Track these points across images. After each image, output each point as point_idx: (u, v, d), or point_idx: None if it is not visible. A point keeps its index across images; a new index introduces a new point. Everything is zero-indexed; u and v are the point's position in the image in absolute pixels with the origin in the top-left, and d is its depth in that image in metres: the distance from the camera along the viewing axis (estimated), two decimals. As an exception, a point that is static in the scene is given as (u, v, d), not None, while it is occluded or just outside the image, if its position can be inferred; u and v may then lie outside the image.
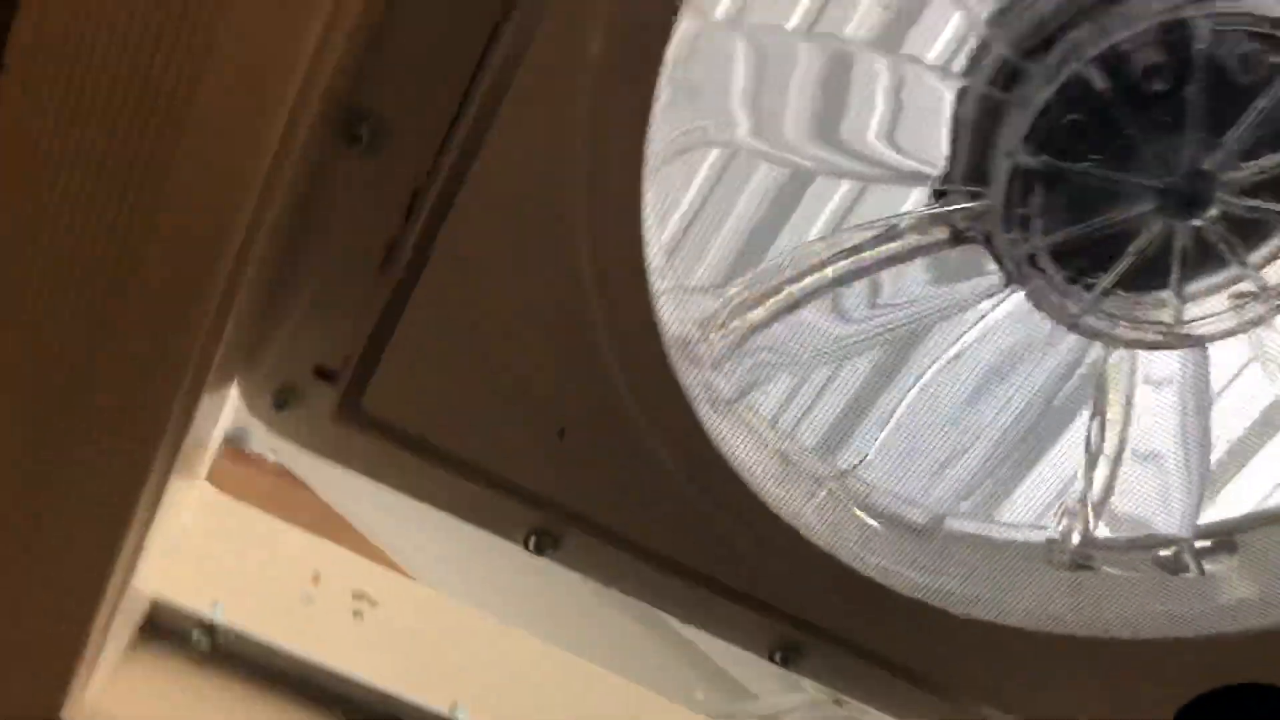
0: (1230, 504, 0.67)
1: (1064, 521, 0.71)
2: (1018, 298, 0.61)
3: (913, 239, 0.64)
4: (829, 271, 0.64)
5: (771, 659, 0.71)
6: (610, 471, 0.61)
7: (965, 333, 0.64)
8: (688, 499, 0.62)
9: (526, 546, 0.68)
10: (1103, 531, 0.70)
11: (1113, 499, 0.68)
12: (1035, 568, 0.71)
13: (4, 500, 0.57)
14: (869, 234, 0.63)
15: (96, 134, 0.48)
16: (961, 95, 0.59)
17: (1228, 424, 0.65)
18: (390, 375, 0.61)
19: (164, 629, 0.76)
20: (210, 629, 0.76)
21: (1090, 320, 0.60)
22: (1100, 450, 0.64)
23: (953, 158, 0.60)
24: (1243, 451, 0.66)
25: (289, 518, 0.86)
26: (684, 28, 0.52)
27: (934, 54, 0.57)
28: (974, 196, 0.59)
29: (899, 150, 0.57)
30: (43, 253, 0.52)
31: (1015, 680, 0.69)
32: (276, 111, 0.50)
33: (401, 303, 0.59)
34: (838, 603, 0.65)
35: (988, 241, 0.61)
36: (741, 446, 0.61)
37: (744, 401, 0.63)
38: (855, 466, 0.66)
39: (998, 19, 0.53)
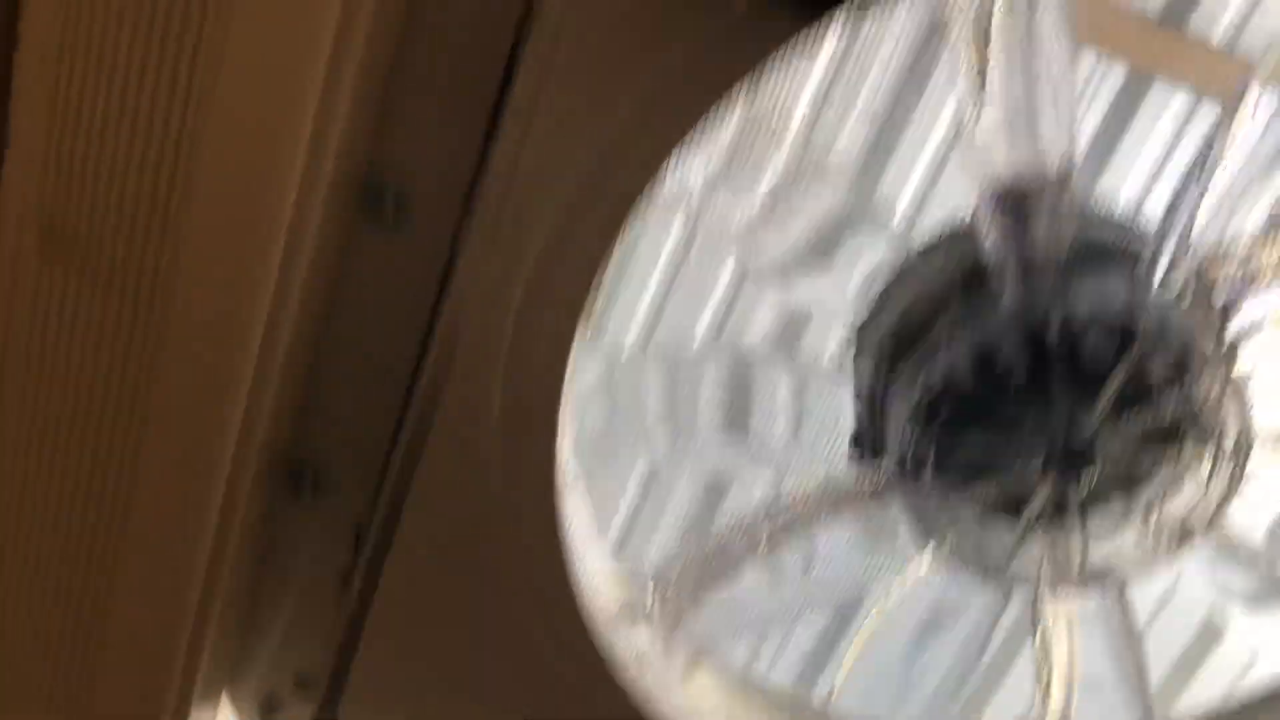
0: None
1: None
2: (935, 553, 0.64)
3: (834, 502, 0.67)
4: (765, 539, 0.67)
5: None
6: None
7: (897, 587, 0.67)
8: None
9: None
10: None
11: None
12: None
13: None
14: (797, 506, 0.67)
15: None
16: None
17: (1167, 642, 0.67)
18: (360, 686, 0.65)
19: None
20: None
21: (1012, 565, 0.63)
22: (1049, 684, 0.67)
23: (859, 432, 0.64)
24: (1186, 666, 0.68)
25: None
26: (588, 369, 0.58)
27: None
28: (878, 463, 0.63)
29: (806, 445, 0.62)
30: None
31: None
32: (218, 473, 0.55)
33: (360, 622, 0.64)
34: None
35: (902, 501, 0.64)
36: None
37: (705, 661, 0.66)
38: (830, 697, 0.69)
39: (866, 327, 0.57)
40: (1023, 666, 0.68)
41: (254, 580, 0.64)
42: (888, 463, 0.61)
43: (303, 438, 0.61)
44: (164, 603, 0.60)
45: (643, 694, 0.63)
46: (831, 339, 0.61)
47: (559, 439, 0.56)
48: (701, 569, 0.67)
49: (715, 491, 0.67)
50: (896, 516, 0.65)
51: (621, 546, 0.63)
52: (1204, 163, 0.54)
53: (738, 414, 0.62)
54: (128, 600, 0.59)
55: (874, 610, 0.68)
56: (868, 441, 0.62)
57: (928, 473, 0.60)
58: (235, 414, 0.54)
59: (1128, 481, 0.59)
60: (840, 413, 0.62)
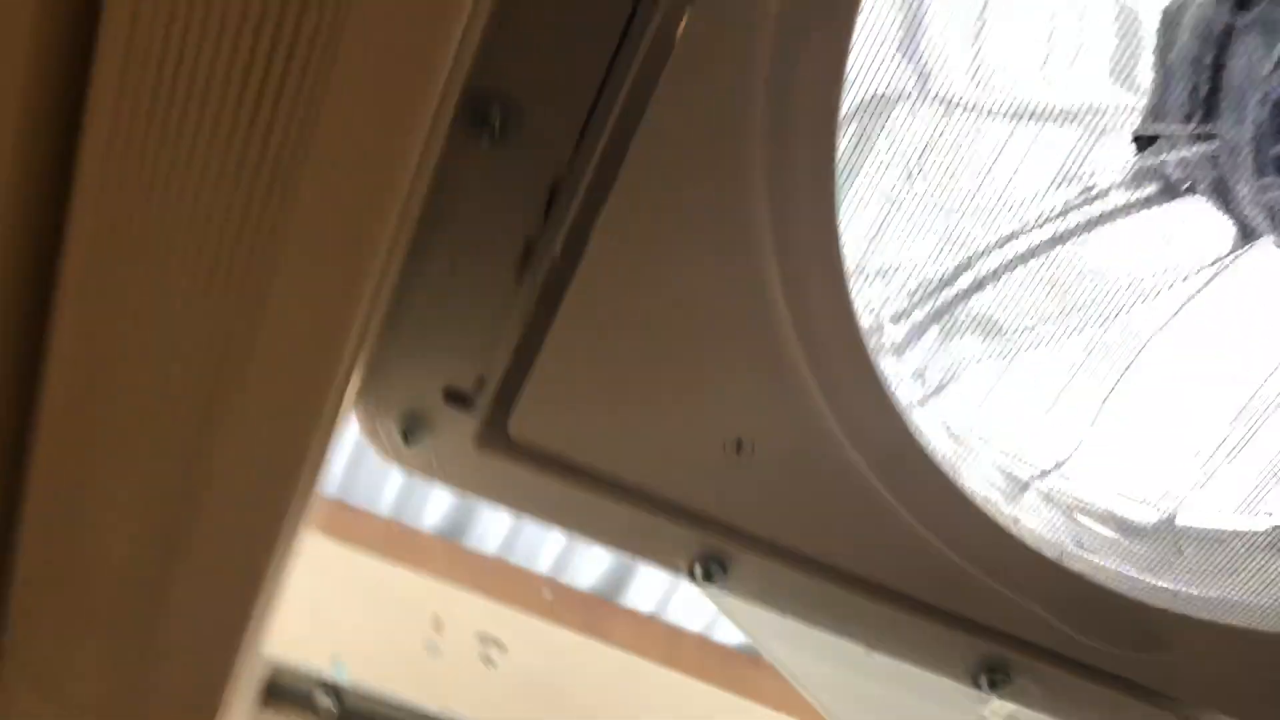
0: None
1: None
2: (1256, 254, 0.52)
3: (1118, 198, 0.56)
4: (1023, 242, 0.56)
5: (975, 684, 0.63)
6: (794, 483, 0.54)
7: (1184, 304, 0.56)
8: (882, 508, 0.54)
9: (692, 575, 0.61)
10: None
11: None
12: (1266, 559, 0.62)
13: (138, 563, 0.50)
14: (1066, 196, 0.55)
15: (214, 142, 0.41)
16: (1170, 19, 0.51)
17: None
18: (539, 395, 0.53)
19: (286, 692, 0.69)
20: (335, 690, 0.69)
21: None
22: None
23: (1161, 94, 0.52)
24: None
25: (403, 562, 0.79)
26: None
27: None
28: (1200, 139, 0.51)
29: (1092, 87, 0.50)
30: (167, 305, 0.46)
31: (1250, 689, 0.61)
32: (418, 105, 0.42)
33: (548, 311, 0.52)
34: (1046, 610, 0.57)
35: (1218, 192, 0.53)
36: (944, 444, 0.53)
37: (941, 396, 0.55)
38: (1065, 461, 0.58)
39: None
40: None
41: (411, 252, 0.52)
42: (1223, 133, 0.49)
43: (494, 61, 0.48)
44: (335, 280, 0.48)
45: (878, 421, 0.52)
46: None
47: (848, 56, 0.44)
48: (953, 269, 0.55)
49: (978, 161, 0.55)
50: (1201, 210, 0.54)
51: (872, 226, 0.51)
52: None
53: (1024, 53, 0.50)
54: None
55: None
56: (1184, 106, 0.50)
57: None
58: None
59: None
60: (1138, 63, 0.50)
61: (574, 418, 0.54)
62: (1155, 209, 0.55)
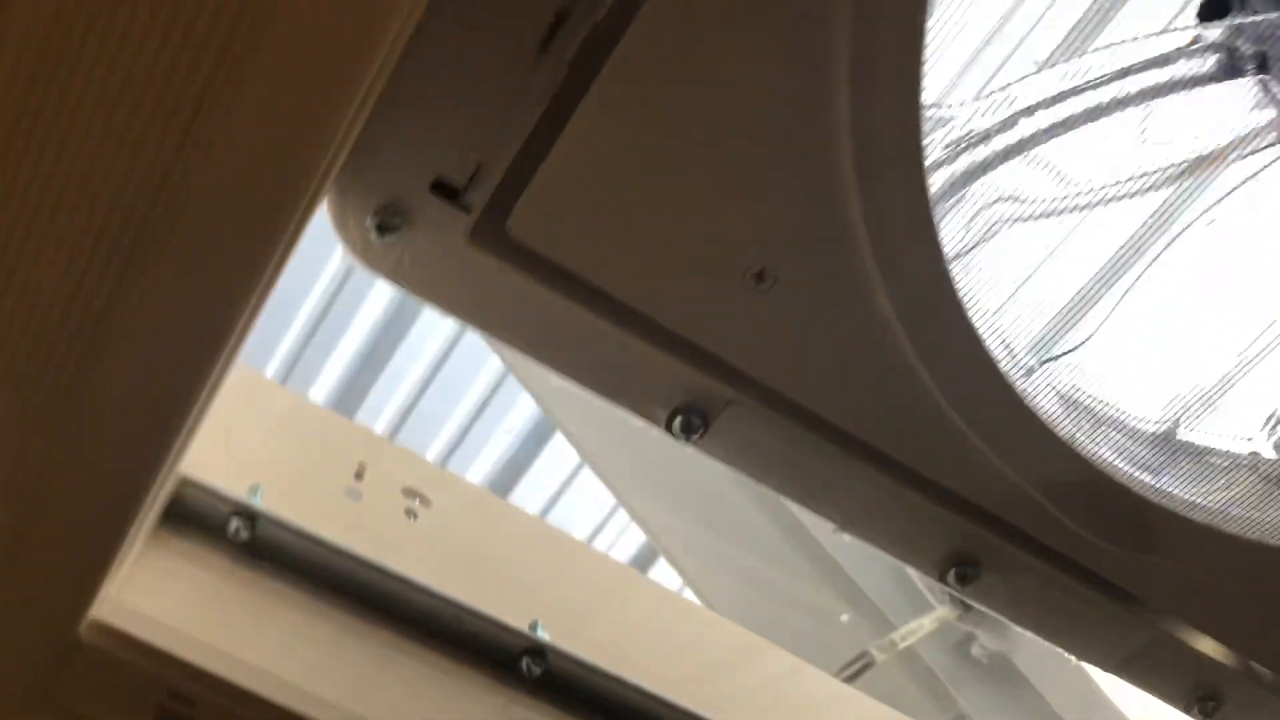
0: None
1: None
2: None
3: (1177, 69, 0.53)
4: (1076, 104, 0.52)
5: (942, 577, 0.60)
6: (812, 326, 0.49)
7: (1223, 196, 0.54)
8: (899, 365, 0.50)
9: (670, 427, 0.56)
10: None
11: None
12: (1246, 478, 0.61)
13: (54, 349, 0.43)
14: (1129, 59, 0.52)
15: None
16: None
17: None
18: (550, 189, 0.48)
19: (192, 514, 0.63)
20: (251, 517, 0.63)
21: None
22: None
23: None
24: None
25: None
26: None
27: None
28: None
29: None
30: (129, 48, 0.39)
31: (1221, 600, 0.59)
32: None
33: (573, 96, 0.46)
34: (1045, 494, 0.54)
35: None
36: (978, 298, 0.49)
37: (971, 256, 0.52)
38: (1078, 348, 0.55)
39: None
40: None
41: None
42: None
43: None
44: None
45: (918, 264, 0.49)
46: None
47: None
48: (1001, 120, 0.51)
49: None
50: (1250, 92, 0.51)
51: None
52: None
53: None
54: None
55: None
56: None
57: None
58: None
59: None
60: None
61: (585, 222, 0.49)
62: (1212, 86, 0.52)
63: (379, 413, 2.13)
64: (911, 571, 1.11)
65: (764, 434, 0.55)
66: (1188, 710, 0.65)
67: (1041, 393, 0.53)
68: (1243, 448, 0.62)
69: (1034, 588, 0.59)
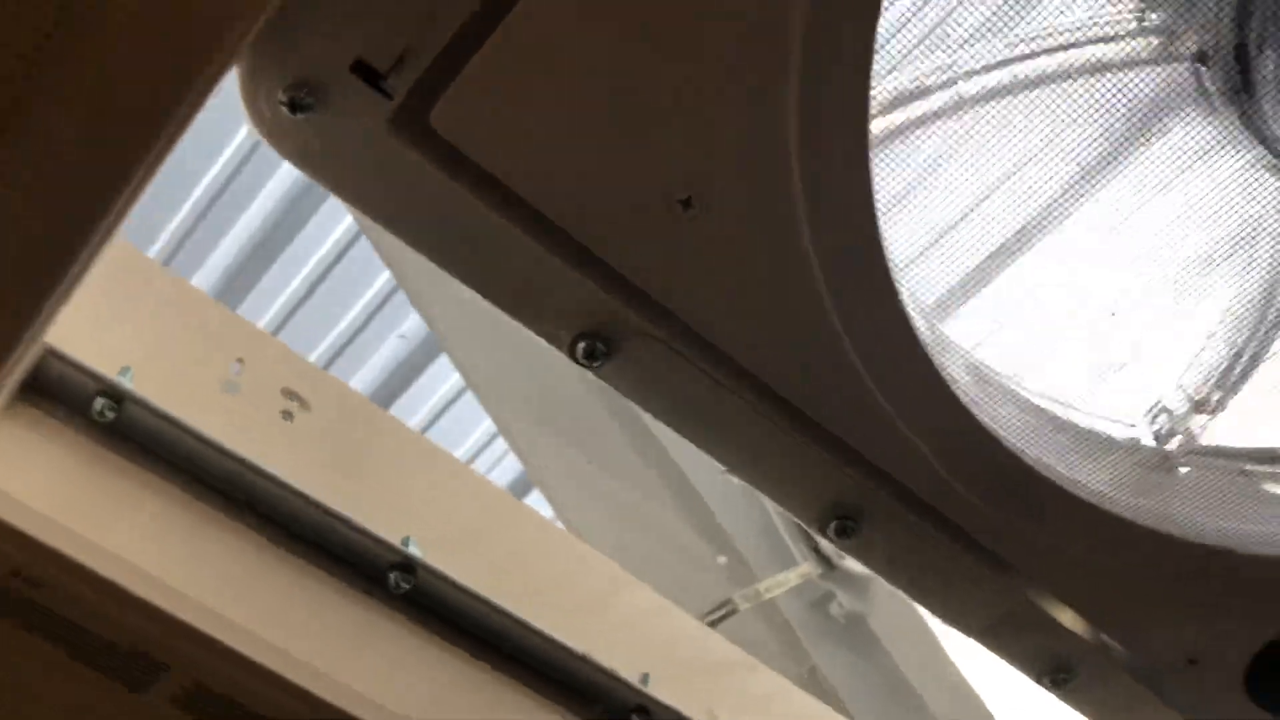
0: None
1: (1159, 420, 0.63)
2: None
3: (1117, 49, 0.53)
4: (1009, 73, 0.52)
5: (822, 528, 0.60)
6: (732, 260, 0.48)
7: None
8: (813, 309, 0.50)
9: (573, 352, 0.55)
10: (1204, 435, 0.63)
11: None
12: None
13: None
14: (1072, 33, 0.52)
15: None
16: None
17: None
18: (479, 83, 0.45)
19: (57, 389, 0.59)
20: (118, 398, 0.59)
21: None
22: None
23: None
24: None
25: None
26: None
27: None
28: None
29: None
30: None
31: (1091, 576, 0.61)
32: None
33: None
34: (931, 449, 0.55)
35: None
36: (898, 254, 0.49)
37: (901, 209, 0.51)
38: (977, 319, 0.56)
39: None
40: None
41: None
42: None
43: None
44: None
45: (849, 213, 0.48)
46: None
47: None
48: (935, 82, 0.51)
49: None
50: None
51: None
52: None
53: None
54: None
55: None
56: None
57: None
58: None
59: None
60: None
61: (513, 123, 0.47)
62: (1149, 69, 0.52)
63: (266, 306, 2.05)
64: (780, 525, 1.13)
65: (667, 368, 0.54)
66: (1039, 680, 0.66)
67: (947, 355, 0.53)
68: (1123, 433, 0.64)
69: (911, 547, 0.60)
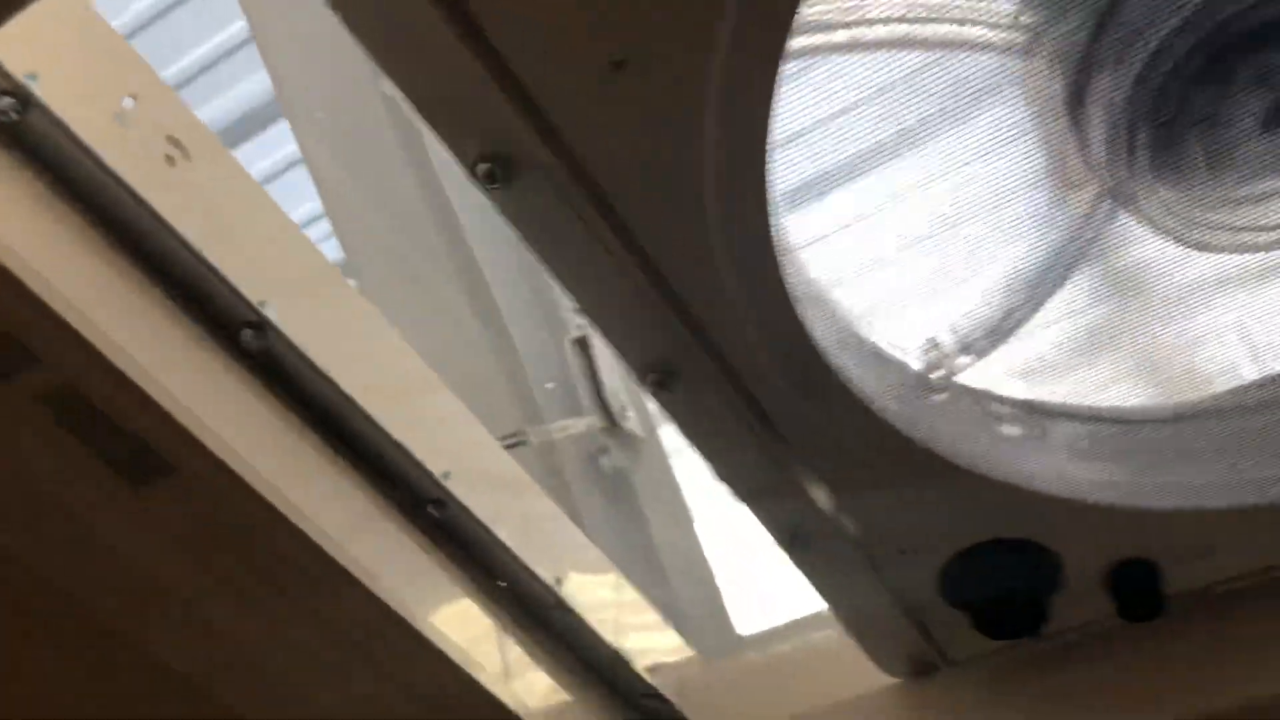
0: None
1: (931, 354, 0.75)
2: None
3: (984, 34, 0.63)
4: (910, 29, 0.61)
5: (643, 379, 0.69)
6: (645, 123, 0.55)
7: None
8: (694, 181, 0.57)
9: (473, 170, 0.61)
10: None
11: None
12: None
13: None
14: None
15: None
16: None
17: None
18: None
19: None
20: (25, 100, 0.61)
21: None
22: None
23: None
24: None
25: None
26: None
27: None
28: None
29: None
30: None
31: (851, 461, 0.72)
32: None
33: None
34: (751, 320, 0.64)
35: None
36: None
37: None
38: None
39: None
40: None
41: None
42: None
43: None
44: None
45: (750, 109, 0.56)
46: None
47: None
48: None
49: None
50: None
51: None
52: None
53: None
54: None
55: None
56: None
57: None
58: None
59: None
60: None
61: None
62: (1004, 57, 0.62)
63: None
64: (576, 377, 1.23)
65: (554, 207, 0.61)
66: (783, 544, 0.78)
67: (791, 239, 0.62)
68: (900, 356, 0.75)
69: (711, 410, 0.70)
